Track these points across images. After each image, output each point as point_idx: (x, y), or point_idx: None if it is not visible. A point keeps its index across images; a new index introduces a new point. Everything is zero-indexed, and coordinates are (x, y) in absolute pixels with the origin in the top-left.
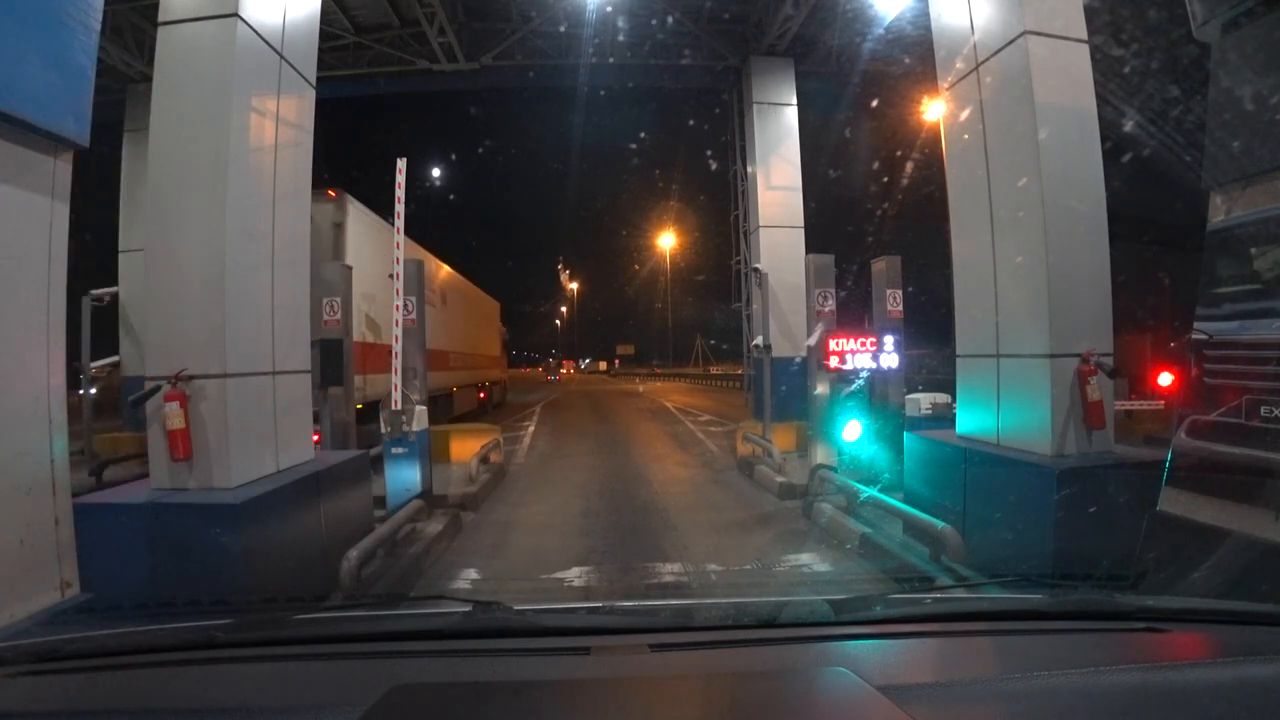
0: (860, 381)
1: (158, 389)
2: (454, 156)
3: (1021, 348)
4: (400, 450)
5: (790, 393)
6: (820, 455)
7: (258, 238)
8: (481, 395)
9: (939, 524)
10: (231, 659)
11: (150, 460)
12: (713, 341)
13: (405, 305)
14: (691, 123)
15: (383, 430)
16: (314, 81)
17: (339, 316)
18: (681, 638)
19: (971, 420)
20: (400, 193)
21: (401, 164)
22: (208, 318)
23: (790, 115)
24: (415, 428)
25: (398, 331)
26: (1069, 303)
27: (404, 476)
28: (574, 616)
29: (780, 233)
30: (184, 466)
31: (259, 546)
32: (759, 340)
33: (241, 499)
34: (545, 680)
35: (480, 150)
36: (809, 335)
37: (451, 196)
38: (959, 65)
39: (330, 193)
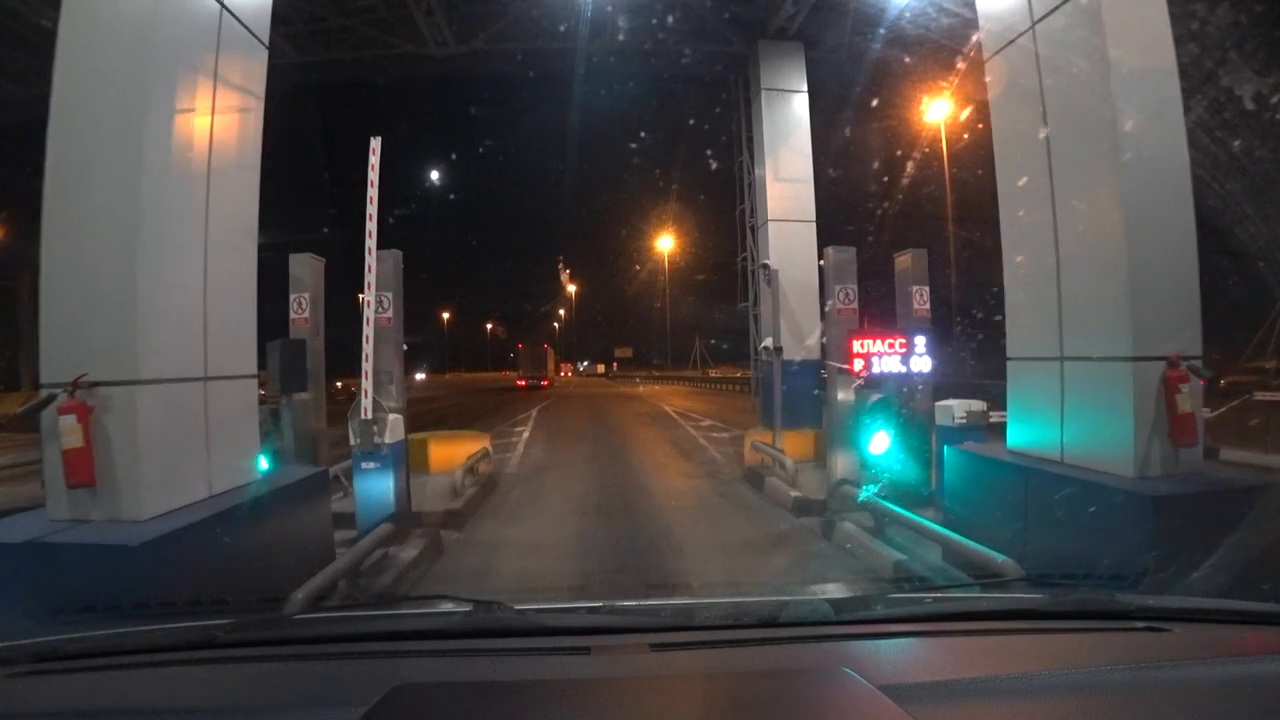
0: (889, 387)
1: (51, 398)
2: (445, 150)
3: (1094, 348)
4: (371, 465)
5: (800, 398)
6: (841, 467)
7: (184, 217)
8: (551, 383)
9: (999, 557)
10: (232, 659)
11: (46, 485)
12: (713, 341)
13: (379, 301)
14: (694, 113)
15: (351, 442)
16: (267, 41)
17: (308, 315)
18: (682, 637)
19: (1026, 433)
20: (374, 174)
21: (375, 143)
22: (115, 311)
23: (800, 103)
24: (389, 439)
25: (368, 330)
26: (1154, 295)
27: (376, 494)
28: (574, 616)
29: (790, 227)
30: (85, 495)
31: (174, 593)
32: (768, 342)
33: (146, 537)
34: (546, 680)
35: (471, 142)
36: (821, 335)
37: (442, 191)
38: (1009, 26)
39: (545, 345)
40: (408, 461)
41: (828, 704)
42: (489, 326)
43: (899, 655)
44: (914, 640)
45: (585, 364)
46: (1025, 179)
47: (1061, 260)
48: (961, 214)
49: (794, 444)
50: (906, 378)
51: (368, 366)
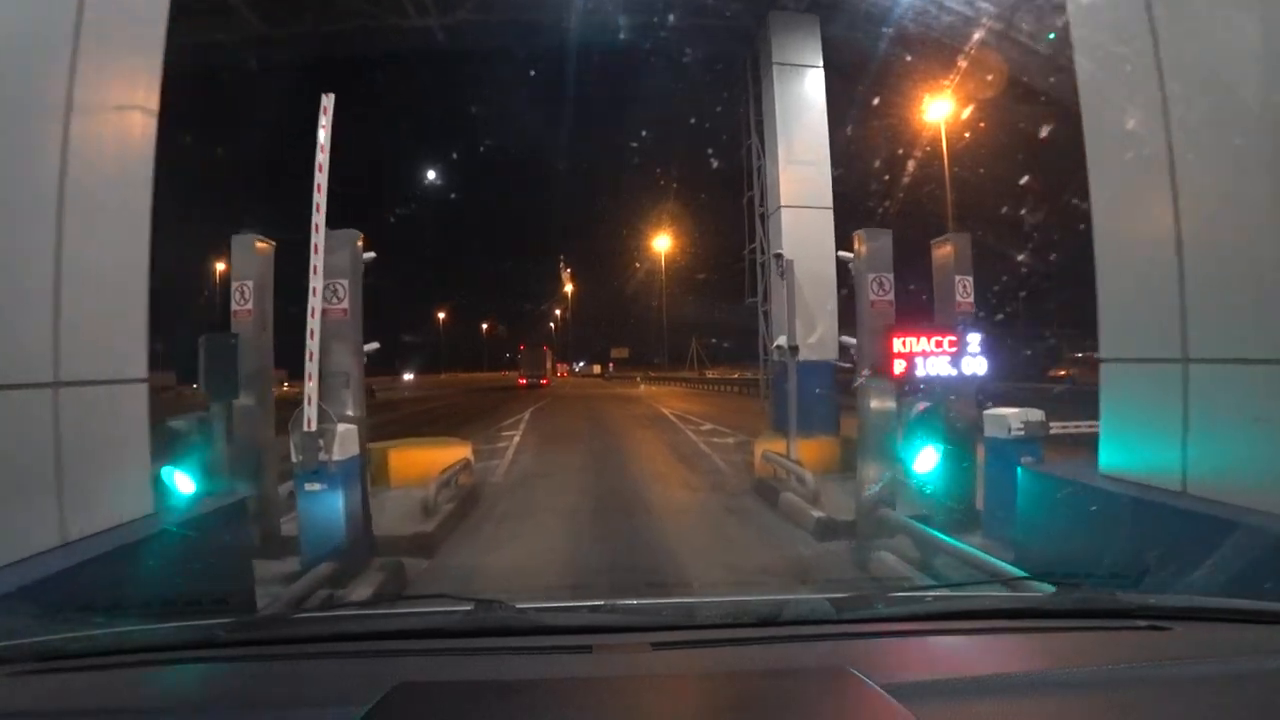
0: (935, 394)
1: None
2: (432, 135)
3: (1236, 347)
4: (316, 486)
5: (815, 401)
6: (874, 484)
7: (14, 155)
8: (550, 382)
9: None
10: (232, 658)
11: None
12: (713, 341)
13: (332, 290)
14: (698, 96)
15: (293, 459)
16: None
17: (251, 306)
18: (683, 636)
19: (1129, 453)
20: (324, 137)
21: (327, 101)
22: None
23: (815, 79)
24: (338, 455)
25: (314, 324)
26: None
27: (324, 520)
28: (576, 615)
29: (804, 214)
30: None
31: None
32: (781, 340)
33: None
34: (547, 678)
35: (456, 127)
36: (838, 334)
37: (431, 180)
38: None
39: (545, 347)
40: (365, 479)
41: (831, 702)
42: (484, 326)
43: (902, 654)
44: (916, 639)
45: (581, 364)
46: (1128, 136)
47: (1184, 235)
48: (967, 211)
49: (810, 453)
50: (953, 381)
51: (312, 367)
